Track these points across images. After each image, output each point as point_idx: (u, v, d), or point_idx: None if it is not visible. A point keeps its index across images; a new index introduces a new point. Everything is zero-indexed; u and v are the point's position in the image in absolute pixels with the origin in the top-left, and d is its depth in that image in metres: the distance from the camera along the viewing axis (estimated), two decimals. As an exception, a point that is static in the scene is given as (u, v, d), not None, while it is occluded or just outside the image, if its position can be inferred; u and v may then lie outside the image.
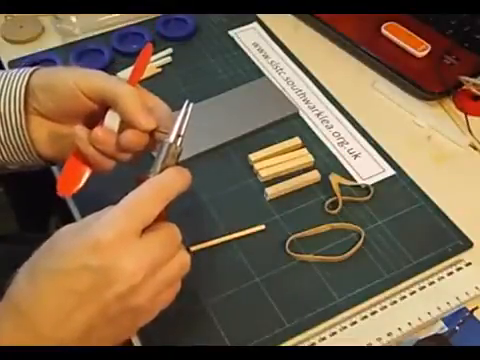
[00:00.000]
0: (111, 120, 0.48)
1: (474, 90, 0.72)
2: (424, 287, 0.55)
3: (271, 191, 0.63)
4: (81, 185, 0.48)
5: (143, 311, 0.40)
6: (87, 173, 0.49)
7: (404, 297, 0.55)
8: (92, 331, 0.38)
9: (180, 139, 0.45)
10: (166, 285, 0.40)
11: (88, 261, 0.37)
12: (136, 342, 0.51)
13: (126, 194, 0.41)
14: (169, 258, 0.40)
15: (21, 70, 0.50)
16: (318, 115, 0.72)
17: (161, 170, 0.43)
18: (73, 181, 0.48)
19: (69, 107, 0.48)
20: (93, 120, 0.49)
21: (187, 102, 0.46)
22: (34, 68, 0.50)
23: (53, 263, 0.38)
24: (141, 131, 0.46)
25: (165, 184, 0.41)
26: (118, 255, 0.38)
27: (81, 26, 0.81)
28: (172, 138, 0.44)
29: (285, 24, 0.84)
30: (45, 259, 0.39)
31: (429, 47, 0.76)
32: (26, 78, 0.49)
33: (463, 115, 0.71)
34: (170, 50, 0.79)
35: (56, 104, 0.48)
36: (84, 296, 0.37)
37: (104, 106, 0.48)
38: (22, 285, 0.39)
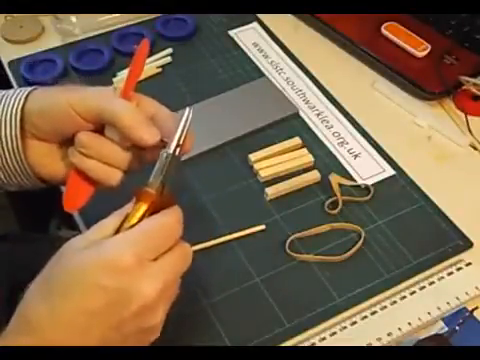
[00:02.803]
0: (110, 133, 0.46)
1: (474, 90, 0.72)
2: (424, 287, 0.55)
3: (271, 191, 0.63)
4: (87, 199, 0.47)
5: (154, 330, 0.40)
6: (92, 188, 0.48)
7: (404, 297, 0.55)
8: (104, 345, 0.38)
9: (179, 148, 0.43)
10: (170, 302, 0.41)
11: (103, 281, 0.37)
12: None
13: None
14: (178, 278, 0.41)
15: (17, 92, 0.48)
16: (318, 115, 0.72)
17: (161, 181, 0.42)
18: (78, 195, 0.47)
19: (66, 129, 0.47)
20: None
21: (188, 109, 0.44)
22: (30, 89, 0.48)
23: (66, 279, 0.38)
24: (146, 146, 0.45)
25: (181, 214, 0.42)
26: (135, 278, 0.38)
27: (81, 26, 0.81)
28: (172, 148, 0.43)
29: (285, 24, 0.84)
30: (59, 274, 0.39)
31: (429, 47, 0.76)
32: (21, 101, 0.47)
33: (463, 115, 0.71)
34: (170, 50, 0.79)
35: (52, 127, 0.47)
36: (97, 315, 0.37)
37: (102, 124, 0.47)
38: (35, 301, 0.38)
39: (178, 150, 0.43)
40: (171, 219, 0.41)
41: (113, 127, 0.46)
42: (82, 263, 0.38)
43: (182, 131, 0.44)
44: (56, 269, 0.39)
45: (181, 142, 0.43)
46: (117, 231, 0.40)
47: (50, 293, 0.38)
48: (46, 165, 0.49)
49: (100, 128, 0.47)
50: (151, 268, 0.39)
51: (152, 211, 0.41)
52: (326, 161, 0.67)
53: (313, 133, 0.70)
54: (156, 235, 0.40)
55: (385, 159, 0.67)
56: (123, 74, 0.74)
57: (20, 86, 0.74)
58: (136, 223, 0.41)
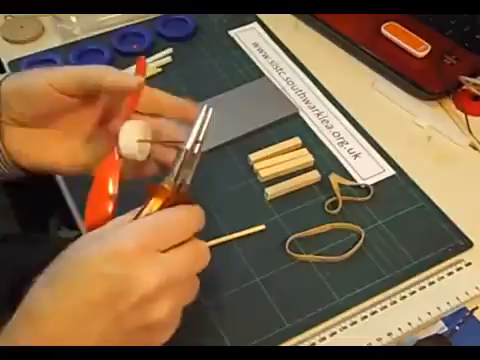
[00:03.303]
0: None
1: (474, 90, 0.72)
2: (424, 287, 0.55)
3: (271, 191, 0.63)
4: (108, 217, 0.45)
5: (160, 329, 0.39)
6: (111, 205, 0.46)
7: (404, 297, 0.55)
8: (107, 343, 0.38)
9: (198, 146, 0.43)
10: (182, 303, 0.40)
11: (104, 269, 0.37)
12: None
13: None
14: (190, 278, 0.40)
15: None
16: (318, 115, 0.72)
17: (177, 178, 0.42)
18: (101, 210, 0.45)
19: (46, 109, 0.46)
20: (74, 119, 0.48)
21: (205, 107, 0.44)
22: (4, 75, 0.48)
23: (70, 270, 0.38)
24: (135, 91, 0.45)
25: (202, 213, 0.41)
26: (136, 265, 0.37)
27: (81, 26, 0.81)
28: (189, 144, 0.43)
29: (285, 24, 0.84)
30: (62, 265, 0.39)
31: (429, 47, 0.76)
32: None
33: (463, 115, 0.71)
34: (170, 50, 0.79)
35: (31, 108, 0.46)
36: (98, 305, 0.37)
37: (85, 101, 0.46)
38: (39, 292, 0.38)
39: (197, 147, 0.43)
40: (185, 213, 0.40)
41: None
42: (86, 252, 0.38)
43: (200, 128, 0.43)
44: (62, 260, 0.39)
45: (200, 139, 0.43)
46: None
47: (53, 283, 0.38)
48: (25, 154, 0.49)
49: (83, 108, 0.47)
50: (156, 258, 0.38)
51: (166, 206, 0.41)
52: (326, 161, 0.67)
53: (313, 133, 0.70)
54: (166, 227, 0.39)
55: (385, 159, 0.67)
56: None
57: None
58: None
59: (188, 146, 0.43)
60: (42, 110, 0.47)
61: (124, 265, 0.37)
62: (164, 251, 0.39)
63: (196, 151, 0.43)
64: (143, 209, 0.41)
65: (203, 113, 0.44)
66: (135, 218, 0.40)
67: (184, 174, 0.42)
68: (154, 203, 0.41)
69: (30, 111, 0.47)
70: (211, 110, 0.44)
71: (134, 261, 0.37)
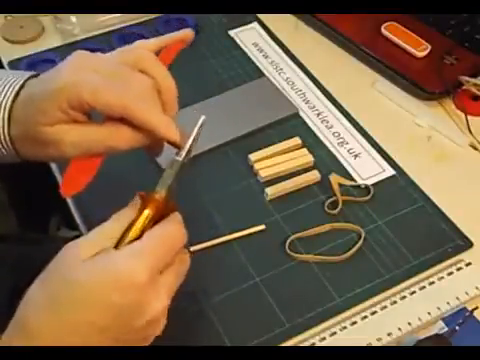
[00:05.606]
0: None
1: (474, 90, 0.72)
2: (424, 287, 0.55)
3: (271, 191, 0.63)
4: (84, 186, 0.45)
5: (152, 339, 0.41)
6: (90, 175, 0.46)
7: (404, 297, 0.55)
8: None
9: (187, 154, 0.44)
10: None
11: (116, 299, 0.37)
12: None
13: (125, 195, 0.41)
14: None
15: (13, 79, 0.47)
16: (318, 115, 0.72)
17: (169, 188, 0.42)
18: (76, 182, 0.45)
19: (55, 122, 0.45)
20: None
21: (203, 119, 0.44)
22: (27, 77, 0.47)
23: (76, 293, 0.37)
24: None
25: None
26: (146, 295, 0.38)
27: (81, 26, 0.81)
28: (183, 155, 0.43)
29: (285, 24, 0.84)
30: (66, 285, 0.37)
31: (429, 47, 0.76)
32: (16, 89, 0.46)
33: (463, 115, 0.71)
34: (170, 50, 0.79)
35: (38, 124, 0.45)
36: (105, 332, 0.37)
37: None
38: (38, 309, 0.37)
39: (186, 158, 0.43)
40: (175, 229, 0.41)
41: None
42: (92, 277, 0.37)
43: (193, 140, 0.44)
44: (62, 278, 0.38)
45: (189, 148, 0.44)
46: (121, 237, 0.40)
47: (55, 304, 0.37)
48: (29, 149, 0.47)
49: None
50: (160, 282, 0.39)
51: (156, 217, 0.41)
52: (326, 161, 0.67)
53: (313, 133, 0.70)
54: (164, 247, 0.39)
55: (385, 159, 0.67)
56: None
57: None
58: (141, 230, 0.40)
59: (181, 158, 0.43)
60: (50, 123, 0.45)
61: (134, 294, 0.37)
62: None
63: (185, 161, 0.43)
64: (135, 220, 0.40)
65: (198, 127, 0.44)
66: (126, 229, 0.40)
67: (173, 183, 0.42)
68: (147, 214, 0.41)
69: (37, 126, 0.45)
70: (203, 119, 0.44)
71: (144, 290, 0.38)
